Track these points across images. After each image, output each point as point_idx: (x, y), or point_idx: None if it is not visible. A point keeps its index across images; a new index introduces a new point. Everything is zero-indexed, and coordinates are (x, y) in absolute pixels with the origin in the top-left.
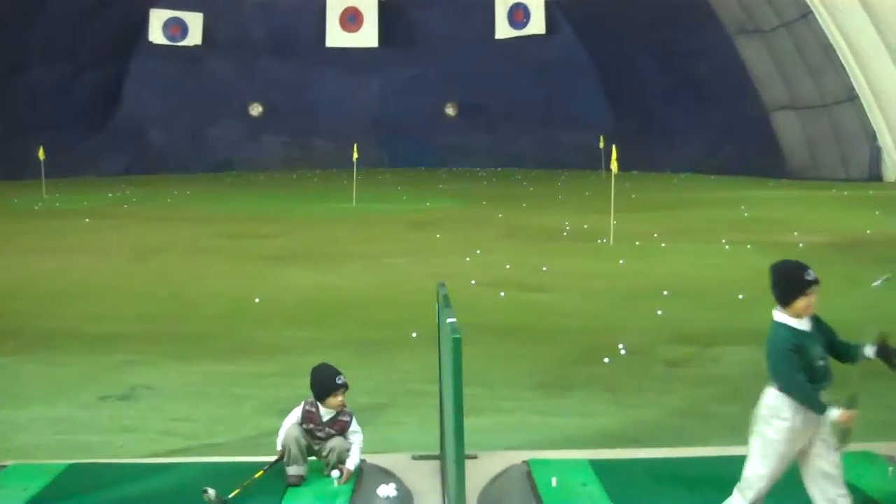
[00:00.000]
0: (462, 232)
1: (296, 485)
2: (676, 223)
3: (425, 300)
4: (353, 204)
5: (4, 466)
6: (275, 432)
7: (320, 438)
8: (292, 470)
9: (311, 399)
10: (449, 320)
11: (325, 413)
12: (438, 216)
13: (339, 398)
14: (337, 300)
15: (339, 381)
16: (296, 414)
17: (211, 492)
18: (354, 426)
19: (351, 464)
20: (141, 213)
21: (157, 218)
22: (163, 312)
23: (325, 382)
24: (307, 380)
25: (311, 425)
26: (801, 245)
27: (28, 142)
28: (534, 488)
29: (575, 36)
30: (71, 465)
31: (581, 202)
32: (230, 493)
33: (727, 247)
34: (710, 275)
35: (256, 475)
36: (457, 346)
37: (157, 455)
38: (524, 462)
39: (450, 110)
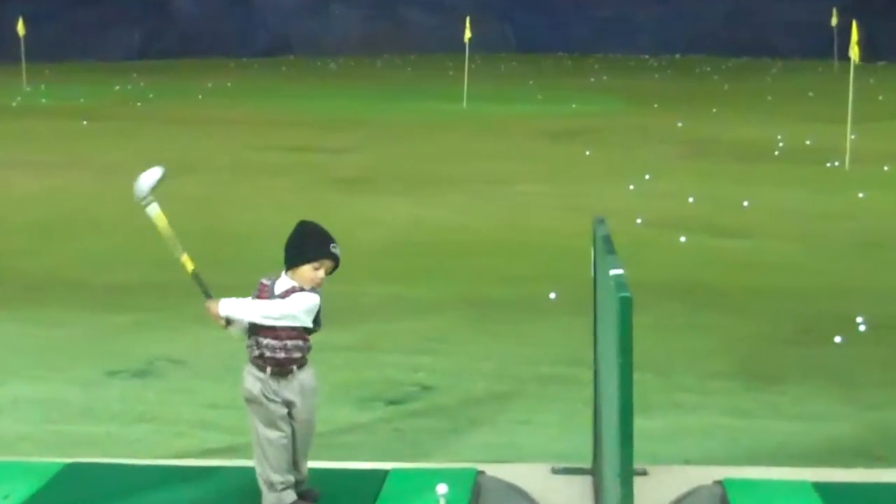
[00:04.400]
0: (623, 148)
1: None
2: None
3: (569, 245)
4: (464, 104)
5: None
6: (351, 428)
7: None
8: (278, 478)
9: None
10: (613, 272)
11: (280, 286)
12: (588, 124)
13: (321, 273)
14: (439, 243)
15: (334, 249)
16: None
17: None
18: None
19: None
20: (162, 114)
21: (184, 122)
22: (196, 255)
23: (313, 240)
24: (395, 356)
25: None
26: None
27: (1, 12)
28: None
29: None
30: (69, 466)
31: (801, 106)
32: None
33: None
34: None
35: None
36: (626, 308)
37: (187, 455)
38: (717, 482)
39: None
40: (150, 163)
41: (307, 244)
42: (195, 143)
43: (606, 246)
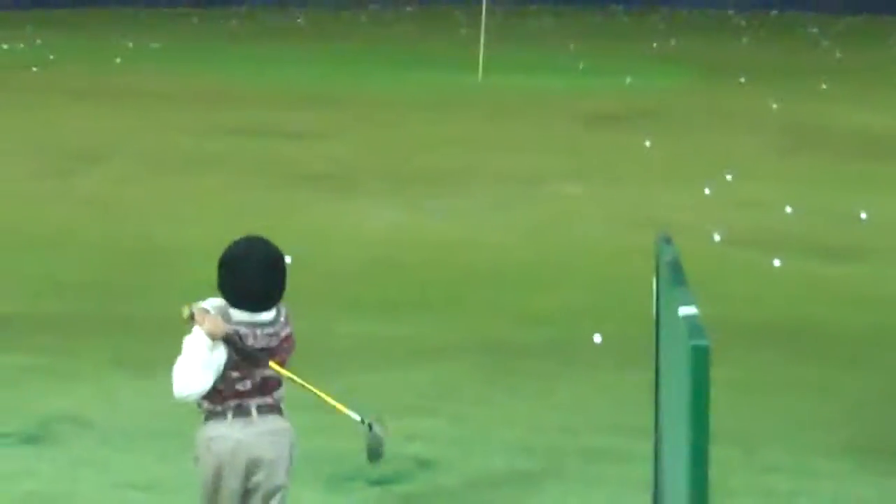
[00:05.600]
0: (696, 138)
1: None
2: None
3: (620, 270)
4: (479, 76)
5: None
6: None
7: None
8: None
9: (219, 305)
10: (684, 311)
11: (259, 330)
12: (649, 105)
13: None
14: (441, 264)
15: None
16: (218, 363)
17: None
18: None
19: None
20: (64, 83)
21: (94, 94)
22: (106, 279)
23: (261, 265)
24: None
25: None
26: None
27: None
28: None
29: None
30: None
31: None
32: None
33: None
34: None
35: None
36: (701, 361)
37: None
38: None
39: None
40: (41, 149)
41: (255, 276)
42: (108, 124)
43: (674, 274)
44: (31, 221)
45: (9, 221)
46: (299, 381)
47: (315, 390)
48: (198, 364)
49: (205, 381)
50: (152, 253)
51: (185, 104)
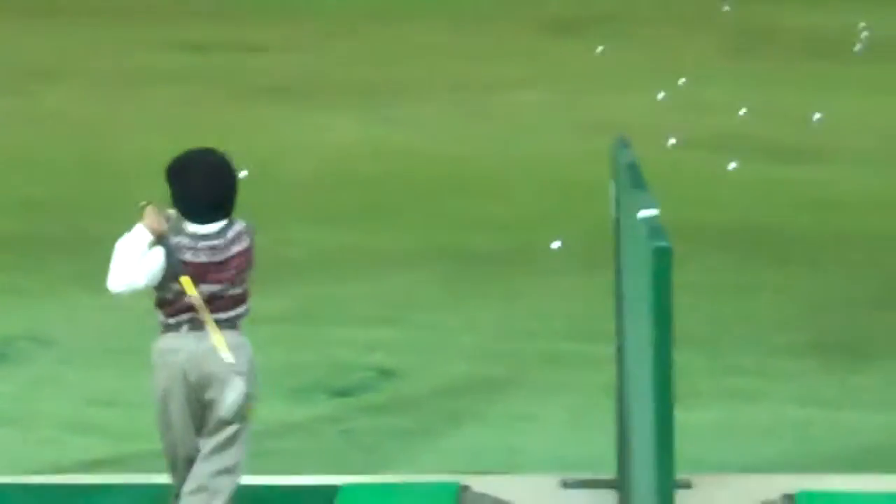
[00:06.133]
0: (648, 41)
1: None
2: None
3: (577, 176)
4: None
5: None
6: (284, 429)
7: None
8: None
9: (175, 216)
10: (644, 213)
11: (201, 243)
12: (601, 10)
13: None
14: (401, 174)
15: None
16: (152, 264)
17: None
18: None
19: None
20: (16, 0)
21: (49, 11)
22: (64, 195)
23: (203, 173)
24: (343, 330)
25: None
26: None
27: None
28: None
29: None
30: None
31: None
32: None
33: None
34: None
35: None
36: (663, 263)
37: (60, 469)
38: (786, 497)
39: None
40: (3, 66)
41: (214, 184)
42: (65, 41)
43: (632, 177)
44: None
45: None
46: (200, 304)
47: (211, 323)
48: (132, 257)
49: (139, 275)
50: (113, 169)
51: (143, 20)
